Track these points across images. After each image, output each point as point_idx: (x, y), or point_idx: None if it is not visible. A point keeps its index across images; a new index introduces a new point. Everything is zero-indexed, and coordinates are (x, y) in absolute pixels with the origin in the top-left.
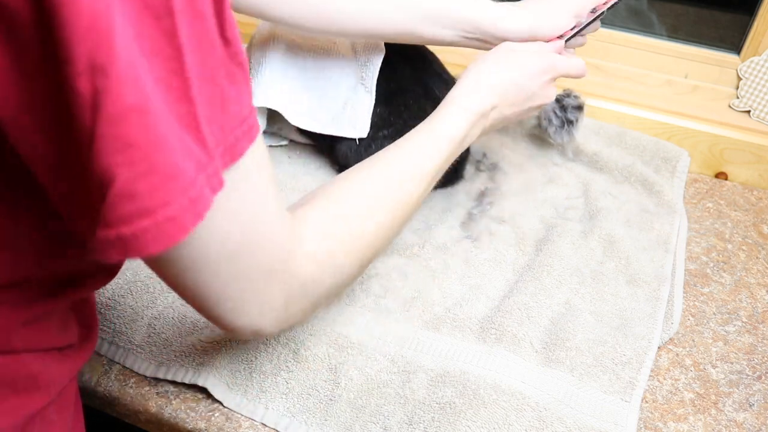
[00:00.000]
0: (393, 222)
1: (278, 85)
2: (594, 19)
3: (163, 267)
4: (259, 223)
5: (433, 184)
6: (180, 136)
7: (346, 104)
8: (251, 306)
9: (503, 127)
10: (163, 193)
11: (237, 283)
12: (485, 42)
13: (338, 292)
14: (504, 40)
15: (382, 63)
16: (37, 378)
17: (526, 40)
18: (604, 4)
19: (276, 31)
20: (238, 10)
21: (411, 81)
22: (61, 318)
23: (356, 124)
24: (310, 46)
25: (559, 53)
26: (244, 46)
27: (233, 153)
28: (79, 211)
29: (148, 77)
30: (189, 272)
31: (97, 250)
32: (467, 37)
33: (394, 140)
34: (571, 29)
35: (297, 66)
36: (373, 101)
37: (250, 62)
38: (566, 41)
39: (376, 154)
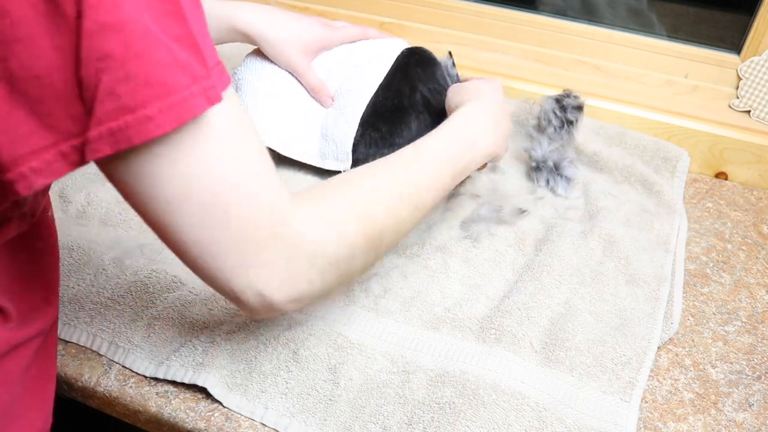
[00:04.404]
0: (406, 209)
1: (271, 120)
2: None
3: (149, 204)
4: (253, 173)
5: (449, 187)
6: (171, 53)
7: (327, 136)
8: (248, 266)
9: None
10: (140, 97)
11: (227, 234)
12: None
13: (349, 272)
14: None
15: (382, 81)
16: None
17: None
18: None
19: (266, 66)
20: None
21: (410, 99)
22: None
23: (338, 156)
24: (289, 78)
25: None
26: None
27: (223, 81)
28: (61, 115)
29: (142, 5)
30: (172, 215)
31: (90, 150)
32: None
33: None
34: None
35: (282, 100)
36: (354, 130)
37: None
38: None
39: (392, 154)
